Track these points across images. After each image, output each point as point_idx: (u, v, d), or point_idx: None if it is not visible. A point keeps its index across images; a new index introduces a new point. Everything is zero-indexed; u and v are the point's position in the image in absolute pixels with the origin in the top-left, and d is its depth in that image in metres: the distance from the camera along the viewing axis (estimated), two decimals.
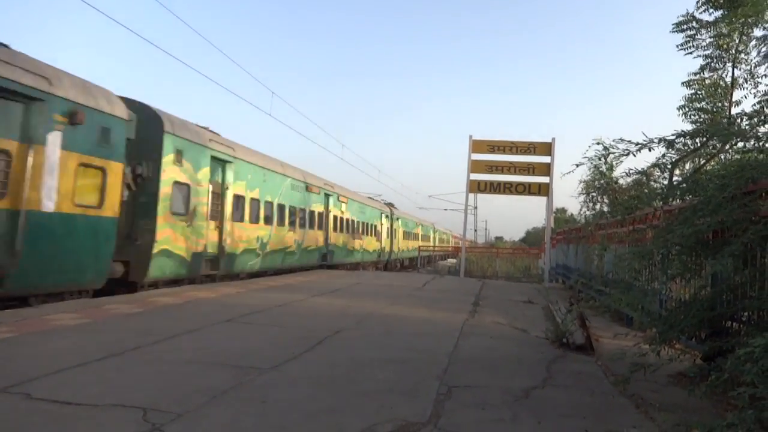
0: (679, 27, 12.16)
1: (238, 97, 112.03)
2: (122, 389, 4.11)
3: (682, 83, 12.81)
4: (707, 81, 12.68)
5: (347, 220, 26.00)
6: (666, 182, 12.25)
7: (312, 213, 21.16)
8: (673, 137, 6.50)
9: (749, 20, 11.36)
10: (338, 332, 7.01)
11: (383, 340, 6.76)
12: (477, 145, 19.88)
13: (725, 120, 11.66)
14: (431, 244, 54.83)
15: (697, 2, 11.80)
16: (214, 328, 6.88)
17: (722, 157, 11.74)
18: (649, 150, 6.46)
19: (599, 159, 8.82)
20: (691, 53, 12.32)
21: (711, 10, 11.75)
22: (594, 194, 16.30)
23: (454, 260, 42.67)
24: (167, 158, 11.46)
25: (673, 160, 11.93)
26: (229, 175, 14.23)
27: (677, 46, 12.30)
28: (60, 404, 3.71)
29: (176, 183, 11.77)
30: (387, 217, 34.85)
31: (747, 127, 5.79)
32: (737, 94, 12.54)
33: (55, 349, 5.27)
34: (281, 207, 18.01)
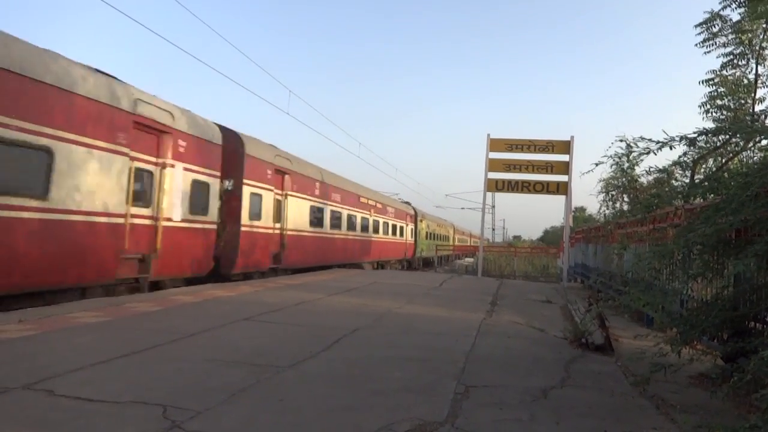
0: (703, 25, 11.93)
1: (259, 97, 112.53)
2: (143, 386, 4.17)
3: (701, 81, 12.56)
4: (729, 78, 12.43)
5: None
6: (687, 180, 12.09)
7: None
8: (695, 135, 6.38)
9: None
10: (355, 331, 7.03)
11: (400, 339, 6.75)
12: (495, 144, 19.75)
13: (748, 117, 11.45)
14: (450, 243, 54.91)
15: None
16: (232, 327, 6.94)
17: (745, 154, 11.54)
18: (671, 148, 6.35)
19: (620, 158, 8.72)
20: (710, 51, 12.07)
21: (734, 6, 11.51)
22: (614, 193, 16.14)
23: (471, 259, 42.50)
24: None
25: (695, 158, 11.74)
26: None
27: (696, 45, 12.04)
28: (82, 401, 3.77)
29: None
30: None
31: None
32: (761, 92, 12.24)
33: (77, 347, 5.36)
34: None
